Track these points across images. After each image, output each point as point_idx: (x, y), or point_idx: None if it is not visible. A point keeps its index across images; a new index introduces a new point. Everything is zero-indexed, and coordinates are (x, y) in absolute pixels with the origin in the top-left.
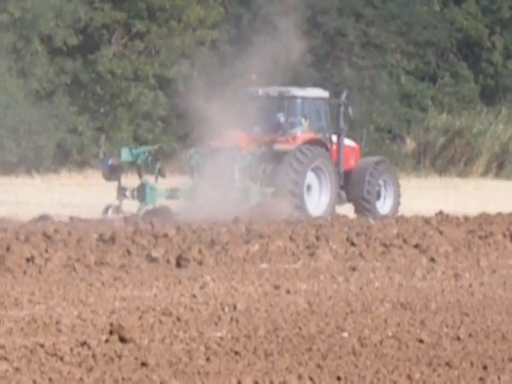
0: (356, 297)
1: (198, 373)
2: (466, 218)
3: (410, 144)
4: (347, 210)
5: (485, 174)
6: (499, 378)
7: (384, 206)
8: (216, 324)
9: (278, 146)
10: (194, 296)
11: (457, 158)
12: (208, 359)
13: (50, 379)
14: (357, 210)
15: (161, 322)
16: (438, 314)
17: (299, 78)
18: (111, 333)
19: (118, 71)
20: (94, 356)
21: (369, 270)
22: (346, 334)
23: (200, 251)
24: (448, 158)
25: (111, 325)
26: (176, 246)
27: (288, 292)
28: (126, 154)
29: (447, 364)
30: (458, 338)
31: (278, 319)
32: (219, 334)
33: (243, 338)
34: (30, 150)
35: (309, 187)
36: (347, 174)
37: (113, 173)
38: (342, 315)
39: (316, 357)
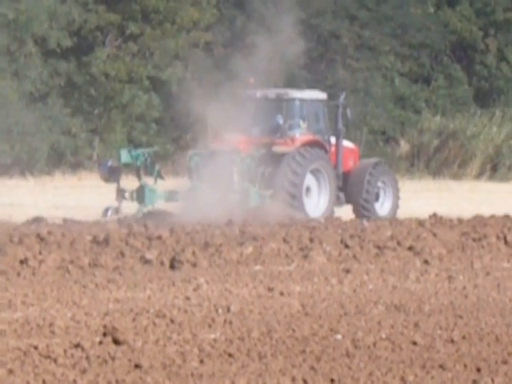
0: (350, 299)
1: (192, 375)
2: (460, 221)
3: (403, 146)
4: (346, 211)
5: (479, 176)
6: (493, 381)
7: (383, 207)
8: (210, 326)
9: (277, 148)
10: (187, 298)
11: (451, 160)
12: (202, 361)
13: (43, 381)
14: (355, 212)
15: (154, 324)
16: (432, 316)
17: (293, 79)
18: (105, 335)
19: (111, 73)
20: (87, 358)
21: (362, 272)
22: (339, 336)
23: (194, 253)
24: (442, 160)
25: (105, 327)
26: (170, 247)
27: (282, 294)
28: (125, 156)
29: (441, 366)
30: (452, 341)
31: (271, 321)
32: (213, 336)
33: (237, 340)
34: (24, 151)
35: (308, 189)
36: (346, 176)
37: (112, 174)
38: (336, 317)
39: (310, 359)
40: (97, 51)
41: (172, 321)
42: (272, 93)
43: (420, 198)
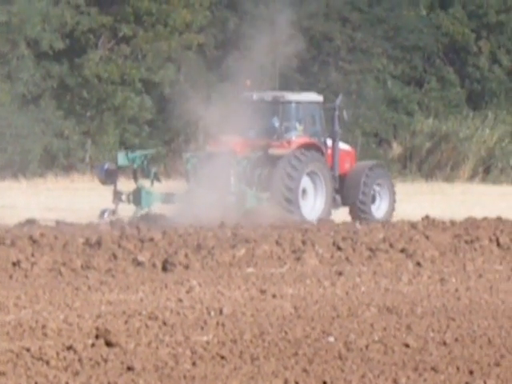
0: (342, 301)
1: (184, 377)
2: (453, 223)
3: (396, 148)
4: (340, 214)
5: (471, 178)
6: (485, 383)
7: (379, 209)
8: (202, 328)
9: (273, 151)
10: (180, 300)
11: (443, 163)
12: (194, 363)
13: (35, 383)
14: (352, 214)
15: (147, 326)
16: (424, 318)
17: (286, 82)
18: (97, 337)
19: (104, 75)
20: (80, 360)
21: (355, 274)
22: (332, 339)
23: (186, 255)
24: (434, 162)
25: (97, 329)
26: (162, 250)
27: (274, 296)
28: (122, 158)
29: (433, 369)
30: (444, 343)
31: (264, 323)
32: (205, 339)
33: (229, 342)
34: (17, 154)
35: (304, 191)
36: (342, 178)
37: (109, 177)
38: (328, 319)
39: (302, 361)
40: (89, 53)
41: (164, 323)
42: (268, 95)
43: (412, 200)
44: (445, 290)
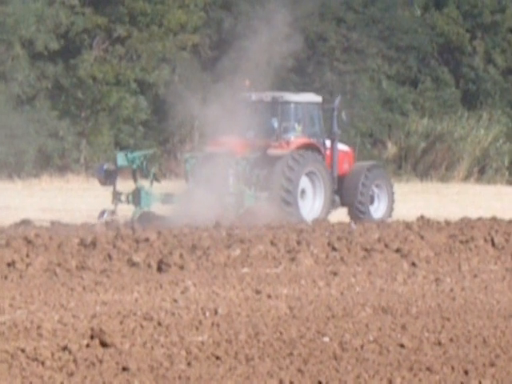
0: (337, 301)
1: (179, 377)
2: (447, 223)
3: (391, 149)
4: (336, 214)
5: (466, 178)
6: (480, 383)
7: (378, 210)
8: (197, 329)
9: (272, 151)
10: (175, 301)
11: (438, 163)
12: (189, 364)
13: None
14: (350, 214)
15: (142, 326)
16: (419, 318)
17: (280, 82)
18: (92, 337)
19: (99, 76)
20: (75, 361)
21: (350, 274)
22: (327, 339)
23: (181, 256)
24: (429, 162)
25: (92, 329)
26: (157, 250)
27: (269, 296)
28: (121, 159)
29: (428, 369)
30: (439, 343)
31: (259, 324)
32: (200, 339)
33: (224, 342)
34: (11, 154)
35: (303, 192)
36: (341, 179)
37: (108, 177)
38: (323, 320)
39: (297, 361)
40: (84, 54)
41: (159, 323)
42: (267, 96)
43: (407, 200)
44: (440, 289)
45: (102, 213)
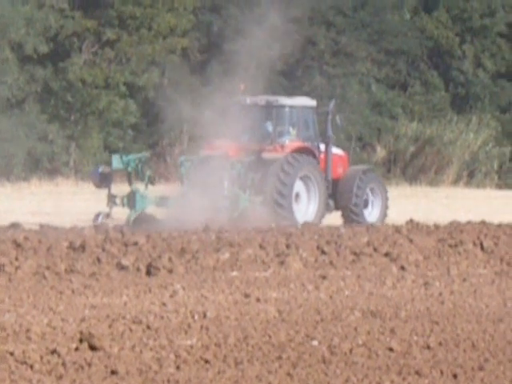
0: (326, 305)
1: (168, 381)
2: (437, 227)
3: (380, 152)
4: (327, 218)
5: (455, 182)
6: None
7: (372, 213)
8: (186, 332)
9: (267, 155)
10: (163, 304)
11: (427, 167)
12: (178, 367)
13: None
14: (345, 218)
15: (131, 330)
16: (408, 322)
17: (270, 86)
18: (81, 341)
19: (88, 79)
20: (63, 364)
21: (339, 278)
22: (315, 343)
23: (170, 259)
24: (418, 166)
25: (81, 333)
26: (146, 254)
27: (258, 300)
28: (116, 162)
29: (417, 372)
30: (428, 347)
31: (248, 327)
32: (189, 342)
33: (213, 346)
34: (0, 158)
35: (297, 196)
36: (335, 183)
37: (103, 180)
38: (312, 323)
39: (286, 365)
40: (73, 57)
41: (148, 327)
42: (262, 100)
43: (396, 204)
44: (429, 293)
45: (97, 215)
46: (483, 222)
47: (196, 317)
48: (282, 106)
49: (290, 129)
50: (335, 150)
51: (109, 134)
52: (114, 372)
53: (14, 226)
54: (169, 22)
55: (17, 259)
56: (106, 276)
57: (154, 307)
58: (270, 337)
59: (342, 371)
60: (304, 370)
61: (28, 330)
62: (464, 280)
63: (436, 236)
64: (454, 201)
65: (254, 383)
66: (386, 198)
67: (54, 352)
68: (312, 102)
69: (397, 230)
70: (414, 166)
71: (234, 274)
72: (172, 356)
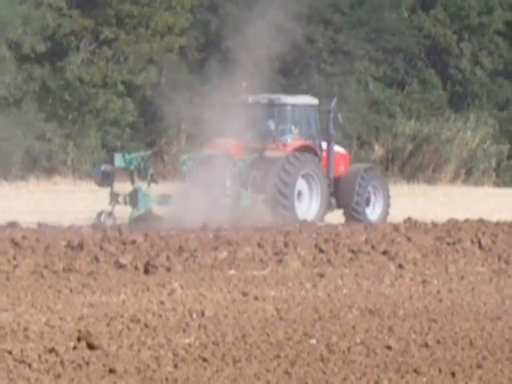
0: (324, 303)
1: (166, 379)
2: (435, 225)
3: (378, 151)
4: (329, 216)
5: (453, 180)
6: None
7: (373, 212)
8: (184, 331)
9: (269, 153)
10: (162, 303)
11: (425, 165)
12: (176, 366)
13: None
14: (346, 216)
15: (129, 328)
16: (406, 320)
17: (267, 84)
18: (79, 339)
19: (86, 78)
20: (61, 363)
21: (337, 276)
22: (314, 341)
23: (168, 258)
24: (416, 164)
25: (79, 331)
26: (144, 252)
27: (256, 299)
28: (119, 160)
29: (415, 371)
30: (426, 345)
31: (246, 326)
32: (187, 341)
33: (211, 344)
34: None
35: (299, 194)
36: (337, 181)
37: (105, 179)
38: (310, 322)
39: (284, 363)
40: (71, 56)
41: (146, 325)
42: (264, 98)
43: (394, 202)
44: (427, 291)
45: (100, 214)
46: (481, 220)
47: (194, 315)
48: (284, 105)
49: (292, 127)
50: (337, 149)
51: (106, 132)
52: (112, 371)
53: (12, 224)
54: (166, 21)
55: (15, 258)
56: (104, 275)
57: (152, 306)
58: (268, 335)
59: (340, 369)
60: (302, 368)
61: (26, 329)
62: (462, 278)
63: (434, 234)
64: (451, 199)
65: (252, 381)
66: (388, 197)
67: (52, 351)
68: (314, 101)
69: (395, 228)
70: (412, 164)
71: (232, 272)
72: (170, 354)
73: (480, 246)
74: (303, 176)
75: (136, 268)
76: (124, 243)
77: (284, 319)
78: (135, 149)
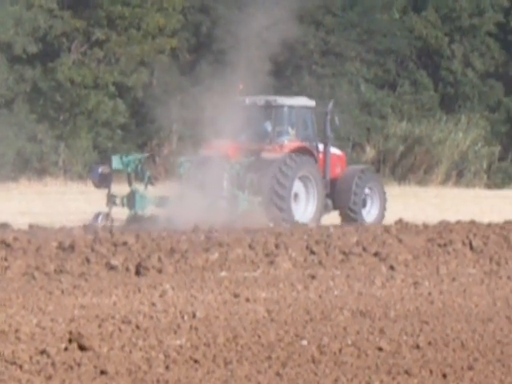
0: (315, 305)
1: (158, 381)
2: (426, 226)
3: (369, 152)
4: (333, 217)
5: (444, 182)
6: None
7: (370, 213)
8: (175, 332)
9: (266, 155)
10: (153, 304)
11: (416, 166)
12: (167, 367)
13: None
14: (343, 217)
15: (120, 330)
16: (398, 322)
17: (259, 86)
18: (70, 341)
19: (77, 79)
20: (53, 364)
21: (328, 278)
22: (305, 342)
23: (159, 259)
24: (407, 166)
25: (70, 333)
26: (135, 254)
27: (247, 300)
28: (116, 162)
29: (406, 372)
30: (418, 346)
31: (237, 327)
32: (178, 342)
33: (202, 346)
34: None
35: (296, 196)
36: (333, 183)
37: (103, 181)
38: (302, 323)
39: (275, 365)
40: (62, 57)
41: (138, 327)
42: (261, 100)
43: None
44: (418, 293)
45: (97, 215)
46: (472, 222)
47: (185, 317)
48: (281, 106)
49: (289, 129)
50: (333, 150)
51: (98, 134)
52: (103, 372)
53: (3, 226)
54: (158, 22)
55: (6, 259)
56: (95, 276)
57: (143, 307)
58: (259, 337)
59: (332, 371)
60: (293, 369)
61: (17, 331)
62: (453, 280)
63: (425, 236)
64: (443, 200)
65: (243, 383)
66: (385, 198)
67: (43, 352)
68: (311, 102)
69: (386, 229)
70: (403, 165)
71: (224, 273)
72: (161, 356)
73: (471, 248)
74: (300, 178)
75: (127, 269)
76: (115, 245)
77: (275, 320)
78: (127, 150)
